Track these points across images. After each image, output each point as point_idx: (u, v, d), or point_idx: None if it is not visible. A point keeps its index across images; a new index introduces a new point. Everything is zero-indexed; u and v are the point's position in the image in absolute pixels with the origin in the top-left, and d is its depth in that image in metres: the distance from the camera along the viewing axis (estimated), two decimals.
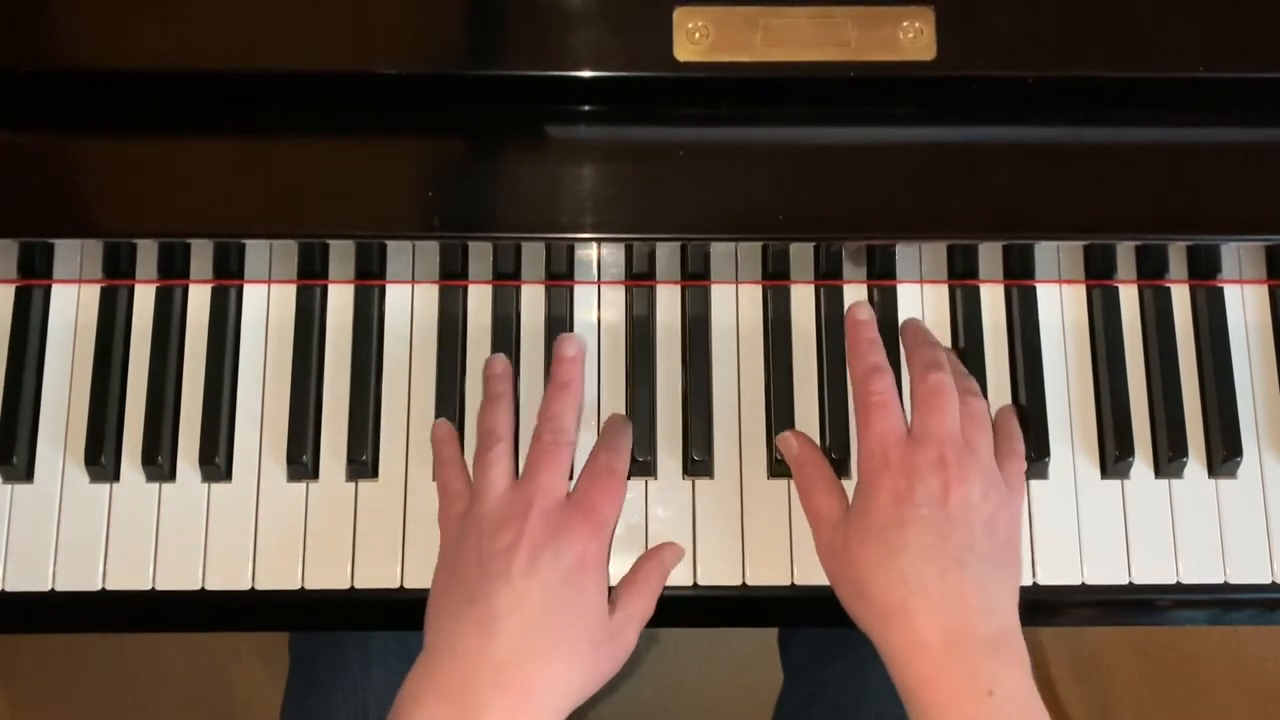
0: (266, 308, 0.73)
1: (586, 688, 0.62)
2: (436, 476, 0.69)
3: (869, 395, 0.66)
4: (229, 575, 0.70)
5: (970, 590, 0.61)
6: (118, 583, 0.69)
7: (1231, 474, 0.72)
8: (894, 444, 0.64)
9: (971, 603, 0.61)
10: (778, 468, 0.71)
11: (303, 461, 0.70)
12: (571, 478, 0.68)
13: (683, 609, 0.69)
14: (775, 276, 0.73)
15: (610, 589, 0.66)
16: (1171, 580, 0.71)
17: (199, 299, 0.73)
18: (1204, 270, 0.73)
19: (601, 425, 0.71)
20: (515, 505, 0.63)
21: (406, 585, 0.70)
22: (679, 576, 0.70)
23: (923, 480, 0.63)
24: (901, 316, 0.73)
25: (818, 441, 0.71)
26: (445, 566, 0.65)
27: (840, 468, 0.70)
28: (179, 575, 0.70)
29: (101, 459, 0.70)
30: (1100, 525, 0.71)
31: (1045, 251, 0.71)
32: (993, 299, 0.74)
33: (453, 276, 0.73)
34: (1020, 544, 0.66)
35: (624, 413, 0.72)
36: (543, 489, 0.64)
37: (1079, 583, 0.71)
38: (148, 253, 0.71)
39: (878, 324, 0.72)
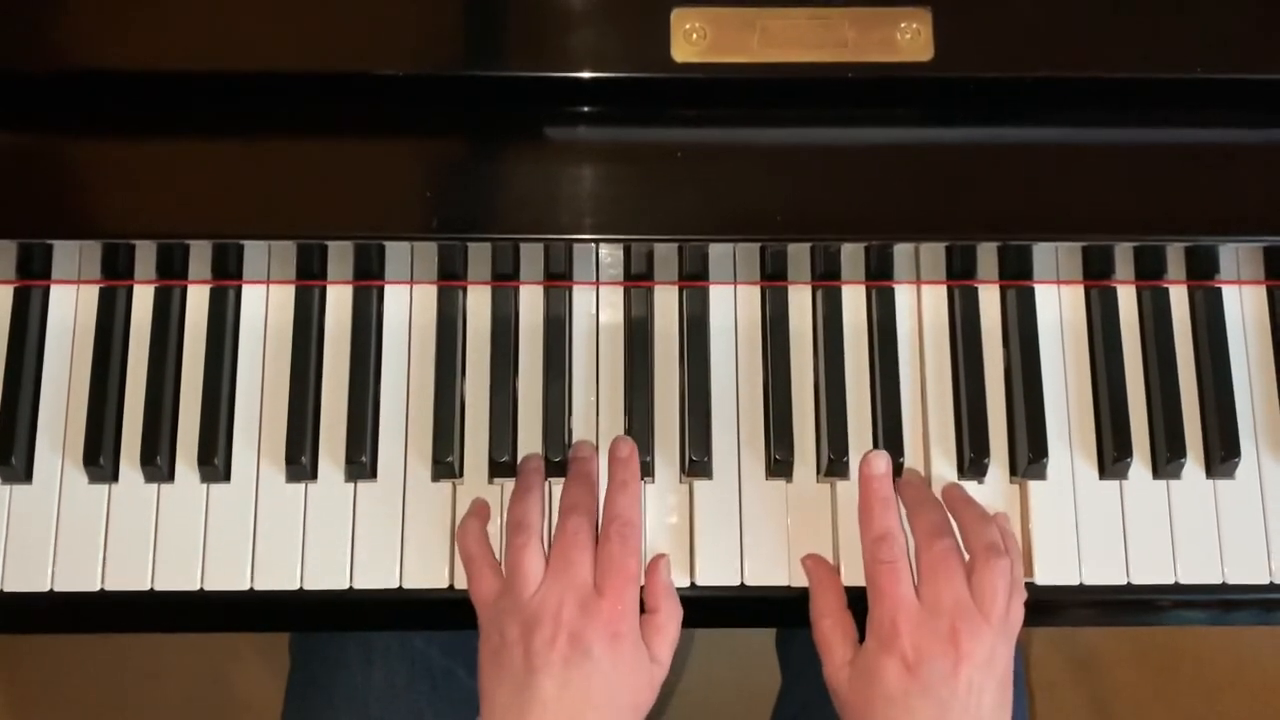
0: (265, 308, 0.73)
1: None
2: (458, 542, 0.69)
3: (878, 562, 0.66)
4: (228, 576, 0.70)
5: None
6: (117, 583, 0.70)
7: (1229, 474, 0.72)
8: (905, 614, 0.64)
9: None
10: (776, 468, 0.71)
11: (301, 462, 0.70)
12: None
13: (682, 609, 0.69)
14: (773, 277, 0.73)
15: None
16: (1170, 580, 0.71)
17: (198, 299, 0.73)
18: (1202, 271, 0.73)
19: (608, 460, 0.70)
20: (549, 601, 0.64)
21: (405, 586, 0.70)
22: (678, 577, 0.70)
23: (932, 657, 0.63)
24: (900, 317, 0.73)
25: (813, 442, 0.71)
26: (488, 649, 0.66)
27: (837, 468, 0.71)
28: (178, 576, 0.70)
29: (100, 459, 0.70)
30: (1098, 526, 0.71)
31: (1043, 252, 0.71)
32: (991, 300, 0.74)
33: (451, 277, 0.73)
34: (1011, 679, 0.66)
35: (623, 413, 0.72)
36: (574, 582, 0.65)
37: (1077, 583, 0.71)
38: (146, 253, 0.71)
39: (876, 324, 0.72)
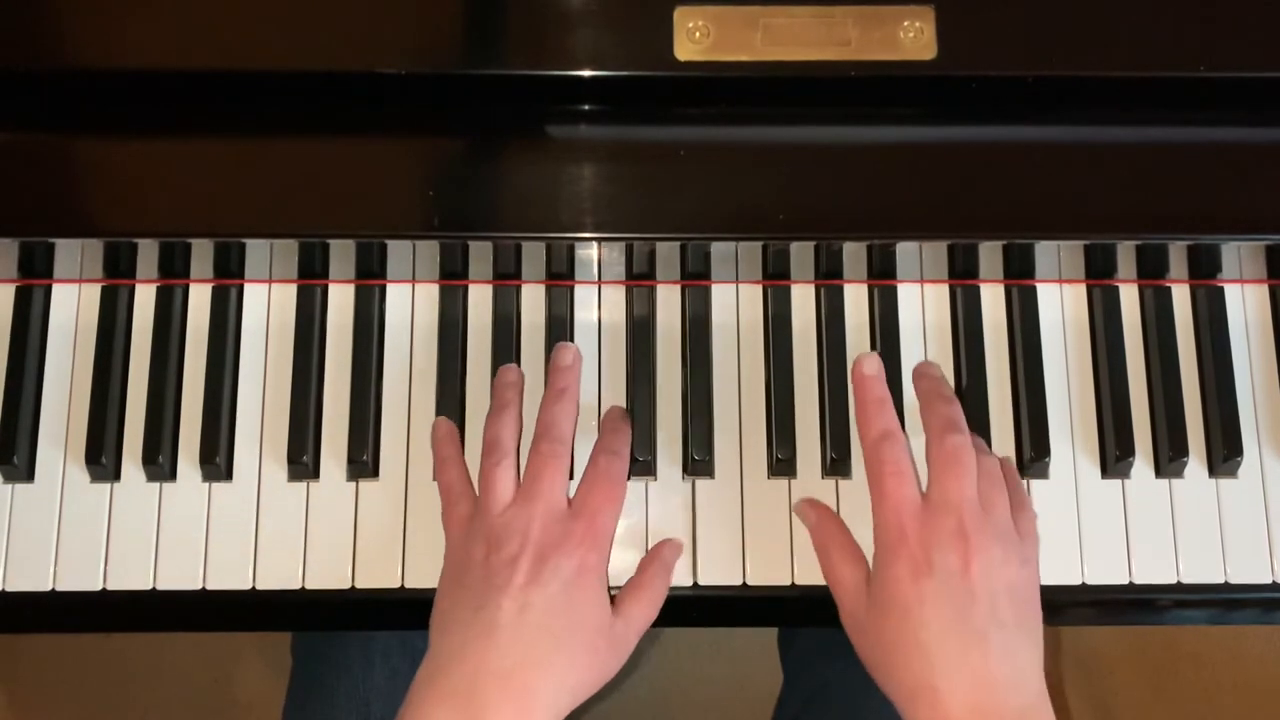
0: (267, 307, 0.73)
1: (585, 690, 0.64)
2: (437, 476, 0.69)
3: (882, 464, 0.65)
4: (230, 575, 0.70)
5: (995, 665, 0.60)
6: (118, 582, 0.69)
7: (1232, 473, 0.72)
8: (910, 514, 0.63)
9: (998, 678, 0.60)
10: (778, 467, 0.71)
11: (303, 461, 0.70)
12: (573, 477, 0.69)
13: (683, 609, 0.69)
14: (775, 276, 0.73)
15: (616, 589, 0.67)
16: (1172, 580, 0.71)
17: (200, 298, 0.73)
18: (1204, 270, 0.73)
19: (600, 422, 0.71)
20: (519, 518, 0.64)
21: (407, 585, 0.70)
22: (679, 576, 0.70)
23: (942, 552, 0.62)
24: (902, 316, 0.73)
25: (816, 441, 0.71)
26: (451, 571, 0.66)
27: (839, 467, 0.71)
28: (180, 575, 0.70)
29: (102, 458, 0.70)
30: (1101, 525, 0.71)
31: (1045, 251, 0.71)
32: (993, 298, 0.74)
33: (453, 276, 0.73)
34: (1039, 599, 0.64)
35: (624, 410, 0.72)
36: (544, 500, 0.65)
37: (1079, 582, 0.71)
38: (148, 252, 0.71)
39: (879, 323, 0.72)
